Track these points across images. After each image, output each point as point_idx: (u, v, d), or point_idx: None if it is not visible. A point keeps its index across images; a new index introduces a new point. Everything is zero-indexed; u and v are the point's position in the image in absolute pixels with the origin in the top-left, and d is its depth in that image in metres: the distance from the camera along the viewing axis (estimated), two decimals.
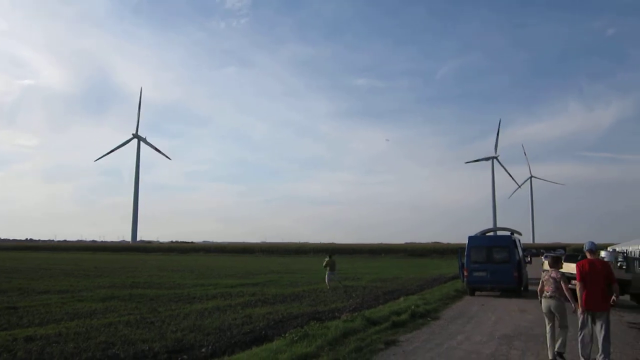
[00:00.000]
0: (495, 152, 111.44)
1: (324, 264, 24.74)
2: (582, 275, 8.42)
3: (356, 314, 13.51)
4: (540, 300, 9.22)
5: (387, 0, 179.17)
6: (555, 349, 8.81)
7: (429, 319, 13.80)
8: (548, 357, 8.92)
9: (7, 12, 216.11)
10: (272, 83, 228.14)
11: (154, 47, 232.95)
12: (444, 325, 12.83)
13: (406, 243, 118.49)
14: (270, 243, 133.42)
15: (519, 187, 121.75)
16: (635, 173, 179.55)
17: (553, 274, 9.15)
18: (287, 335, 10.19)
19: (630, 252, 26.96)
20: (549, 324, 9.11)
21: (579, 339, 8.41)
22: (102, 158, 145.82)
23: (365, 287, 24.63)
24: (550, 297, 9.00)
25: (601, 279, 8.27)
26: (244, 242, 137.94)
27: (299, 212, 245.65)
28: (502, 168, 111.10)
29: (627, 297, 19.21)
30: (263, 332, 11.24)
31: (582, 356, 8.31)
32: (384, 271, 40.99)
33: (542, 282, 9.31)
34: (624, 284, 18.36)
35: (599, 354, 8.01)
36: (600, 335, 8.09)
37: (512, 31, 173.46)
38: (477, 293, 21.00)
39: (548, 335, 9.09)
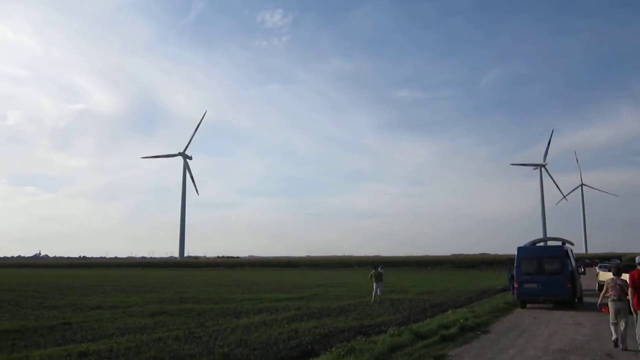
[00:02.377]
0: (544, 161, 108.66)
1: (370, 275, 24.56)
2: (634, 282, 10.57)
3: (403, 327, 13.30)
4: (606, 303, 11.42)
5: (426, 12, 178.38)
6: (621, 345, 11.00)
7: (478, 332, 13.43)
8: (612, 339, 11.31)
9: (59, 41, 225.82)
10: (315, 98, 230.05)
11: (198, 68, 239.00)
12: (494, 339, 12.46)
13: (452, 255, 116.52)
14: (314, 257, 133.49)
15: (564, 197, 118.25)
16: None
17: (618, 281, 11.36)
18: (333, 350, 10.10)
19: None
20: (613, 320, 11.29)
21: (637, 332, 10.60)
22: (148, 159, 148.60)
23: (412, 300, 24.25)
24: (619, 299, 11.14)
25: None
26: (288, 256, 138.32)
27: (343, 225, 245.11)
28: (549, 177, 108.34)
29: None
30: (309, 347, 11.17)
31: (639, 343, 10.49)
32: (431, 283, 40.31)
33: (607, 287, 11.48)
34: None
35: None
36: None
37: (554, 38, 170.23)
38: (528, 305, 20.35)
39: (612, 328, 11.35)
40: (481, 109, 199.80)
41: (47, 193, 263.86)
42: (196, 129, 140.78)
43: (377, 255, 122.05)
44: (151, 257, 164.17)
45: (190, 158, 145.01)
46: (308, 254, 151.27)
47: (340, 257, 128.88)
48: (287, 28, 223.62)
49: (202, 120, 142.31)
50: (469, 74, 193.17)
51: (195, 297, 26.45)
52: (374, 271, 24.64)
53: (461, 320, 14.39)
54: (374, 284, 24.09)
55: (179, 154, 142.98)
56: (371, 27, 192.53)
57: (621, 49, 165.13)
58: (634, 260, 13.07)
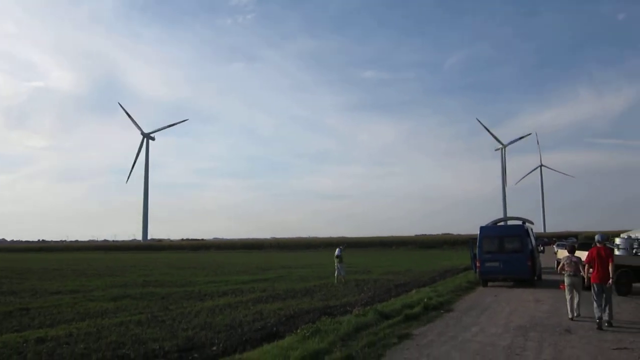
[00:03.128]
0: (501, 143, 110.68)
1: (335, 256, 24.71)
2: (592, 258, 11.60)
3: (368, 308, 13.37)
4: (564, 278, 12.70)
5: None
6: (575, 314, 12.26)
7: (442, 311, 13.63)
8: (569, 316, 12.23)
9: (15, 15, 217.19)
10: (280, 78, 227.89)
11: (161, 46, 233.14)
12: (457, 318, 12.66)
13: (417, 235, 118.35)
14: (280, 238, 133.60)
15: (529, 174, 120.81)
16: None
17: (573, 258, 12.62)
18: (298, 331, 10.05)
19: None
20: (569, 294, 12.44)
21: (594, 305, 11.32)
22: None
23: (376, 280, 24.47)
24: (574, 275, 12.44)
25: (606, 262, 11.42)
26: (254, 238, 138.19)
27: (308, 206, 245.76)
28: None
29: None
30: (274, 329, 11.12)
31: (596, 315, 11.17)
32: (396, 264, 40.80)
33: (563, 264, 12.73)
34: (639, 270, 18.09)
35: (607, 313, 11.23)
36: (605, 301, 11.26)
37: (519, 20, 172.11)
38: (490, 284, 20.77)
39: (568, 303, 12.41)
40: (446, 90, 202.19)
41: (2, 174, 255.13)
42: (172, 125, 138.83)
43: (342, 237, 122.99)
44: (113, 241, 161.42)
45: (153, 139, 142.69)
46: (273, 236, 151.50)
47: (305, 238, 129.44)
48: (252, 6, 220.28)
49: (179, 122, 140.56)
50: (434, 55, 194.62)
51: (158, 281, 26.09)
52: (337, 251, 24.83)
53: (425, 300, 14.57)
54: (336, 265, 24.24)
55: (142, 134, 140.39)
56: (337, 6, 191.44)
57: (581, 32, 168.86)
58: (591, 238, 13.79)
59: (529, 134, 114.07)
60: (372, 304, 14.87)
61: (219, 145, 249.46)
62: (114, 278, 28.11)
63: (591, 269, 11.63)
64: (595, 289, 11.40)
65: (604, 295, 11.30)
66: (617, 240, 20.96)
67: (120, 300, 17.68)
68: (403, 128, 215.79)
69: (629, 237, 23.69)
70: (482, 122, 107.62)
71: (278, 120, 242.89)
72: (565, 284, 12.55)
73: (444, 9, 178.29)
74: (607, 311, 11.25)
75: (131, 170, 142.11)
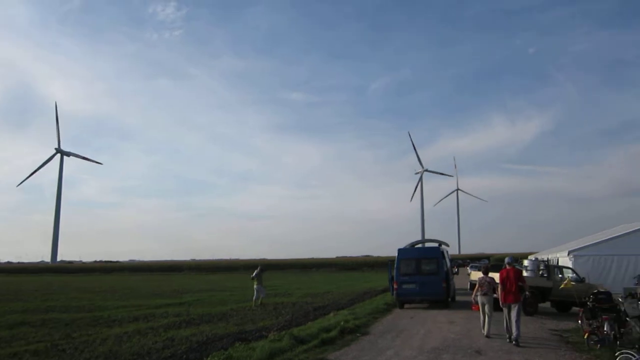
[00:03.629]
0: (422, 166, 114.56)
1: (252, 277, 24.28)
2: (503, 279, 12.45)
3: (284, 332, 13.07)
4: (476, 298, 13.37)
5: (323, 14, 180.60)
6: (487, 332, 12.82)
7: (358, 334, 13.56)
8: (483, 333, 12.90)
9: None
10: (206, 96, 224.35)
11: (81, 58, 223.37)
12: (373, 341, 12.62)
13: (337, 257, 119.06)
14: (199, 260, 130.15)
15: (445, 197, 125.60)
16: (553, 184, 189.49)
17: (487, 279, 13.33)
18: (209, 358, 9.62)
19: (550, 260, 28.12)
20: (482, 313, 13.21)
21: (505, 323, 12.33)
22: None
23: (295, 303, 24.19)
24: (485, 294, 13.15)
25: (515, 282, 12.29)
26: (172, 260, 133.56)
27: (230, 227, 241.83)
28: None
29: (548, 305, 19.83)
30: (184, 356, 10.59)
31: (507, 333, 12.17)
32: (316, 286, 40.68)
33: (478, 284, 13.39)
34: (545, 291, 18.98)
35: (515, 330, 11.90)
36: (514, 319, 11.97)
37: (439, 49, 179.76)
38: (406, 306, 21.05)
39: (481, 321, 13.28)
40: (370, 114, 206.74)
41: None
42: (85, 158, 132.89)
43: (263, 258, 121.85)
44: (18, 262, 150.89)
45: (68, 155, 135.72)
46: (193, 258, 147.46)
47: (226, 260, 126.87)
48: (180, 22, 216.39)
49: (93, 161, 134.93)
50: (359, 79, 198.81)
51: (64, 306, 24.43)
52: (257, 271, 24.41)
53: (342, 323, 14.46)
54: (255, 287, 23.81)
55: (56, 150, 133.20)
56: (266, 27, 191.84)
57: (496, 63, 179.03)
58: (502, 260, 14.52)
59: (451, 176, 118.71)
60: (289, 328, 14.58)
61: (141, 163, 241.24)
62: (13, 303, 26.07)
63: (502, 290, 12.45)
64: (506, 308, 12.38)
65: (513, 314, 12.09)
66: (525, 262, 21.95)
67: (17, 327, 16.35)
68: (327, 150, 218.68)
69: (536, 259, 24.91)
70: (410, 138, 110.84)
71: (203, 138, 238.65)
72: (479, 303, 13.33)
73: (370, 34, 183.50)
74: (516, 329, 11.96)
75: (28, 177, 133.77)
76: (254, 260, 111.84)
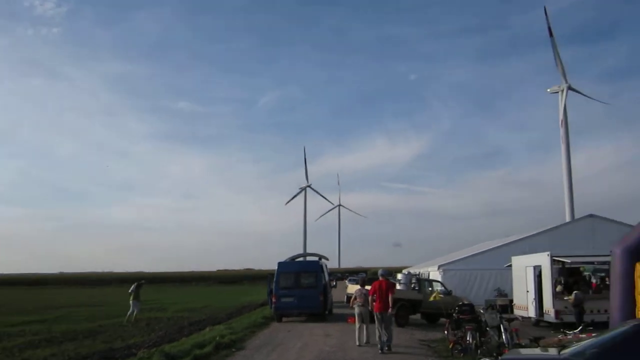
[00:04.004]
0: (308, 181, 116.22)
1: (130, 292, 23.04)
2: (375, 290, 13.13)
3: (154, 349, 12.41)
4: (354, 308, 14.15)
5: (214, 25, 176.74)
6: (364, 341, 13.69)
7: (233, 349, 13.22)
8: (356, 344, 13.57)
9: None
10: (85, 99, 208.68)
11: None
12: (248, 356, 12.38)
13: (219, 270, 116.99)
14: (68, 273, 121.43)
15: (330, 202, 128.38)
16: (428, 203, 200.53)
17: (363, 291, 14.15)
18: None
19: (421, 274, 29.57)
20: (358, 324, 13.94)
21: (377, 331, 12.91)
22: None
23: (170, 318, 23.27)
24: (363, 305, 13.83)
25: (386, 293, 12.95)
26: (37, 273, 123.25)
27: (106, 238, 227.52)
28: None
29: (419, 316, 20.72)
30: None
31: (379, 343, 12.74)
32: (194, 300, 39.51)
33: (355, 296, 14.35)
34: (415, 303, 19.84)
35: (386, 338, 12.71)
36: (385, 327, 12.75)
37: (327, 69, 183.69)
38: (284, 319, 20.97)
39: (357, 332, 13.87)
40: (258, 128, 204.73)
41: None
42: None
43: (140, 272, 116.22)
44: None
45: None
46: (62, 271, 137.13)
47: (99, 273, 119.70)
48: (59, 19, 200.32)
49: None
50: (249, 93, 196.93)
51: None
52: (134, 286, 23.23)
53: (217, 338, 14.04)
54: (131, 302, 22.61)
55: None
56: (155, 33, 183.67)
57: (380, 86, 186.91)
58: (377, 273, 15.19)
59: (332, 203, 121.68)
60: (161, 344, 13.91)
61: (5, 168, 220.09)
62: None
63: (374, 301, 13.11)
64: (378, 317, 12.90)
65: (385, 323, 12.83)
66: (399, 276, 22.89)
67: None
68: (212, 162, 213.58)
69: (409, 272, 26.07)
70: (305, 154, 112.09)
71: (79, 144, 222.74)
72: (356, 314, 14.05)
73: (261, 49, 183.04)
74: (387, 337, 12.78)
75: None
76: (131, 273, 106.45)
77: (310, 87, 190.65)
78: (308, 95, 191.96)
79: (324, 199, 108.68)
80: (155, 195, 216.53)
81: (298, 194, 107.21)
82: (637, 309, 9.98)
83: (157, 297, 43.50)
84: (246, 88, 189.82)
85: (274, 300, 20.74)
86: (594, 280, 22.32)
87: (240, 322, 19.69)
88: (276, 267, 21.48)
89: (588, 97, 49.93)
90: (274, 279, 21.06)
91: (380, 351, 12.44)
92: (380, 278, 13.68)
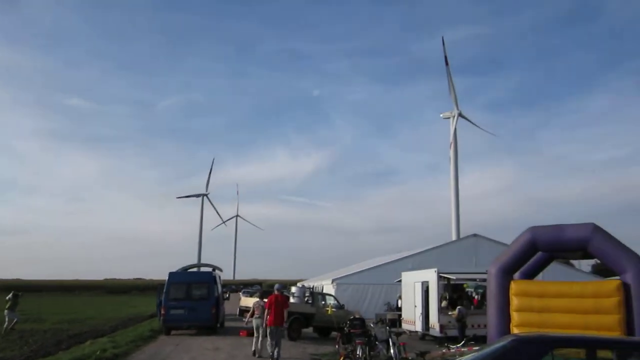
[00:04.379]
0: (207, 190, 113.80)
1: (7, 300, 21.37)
2: (270, 304, 13.51)
3: None
4: (252, 320, 14.59)
5: (115, 21, 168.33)
6: (258, 353, 14.01)
7: None
8: (252, 353, 14.12)
9: None
10: None
11: None
12: None
13: (106, 279, 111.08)
14: None
15: (224, 222, 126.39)
16: (325, 217, 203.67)
17: (261, 303, 14.48)
18: None
19: (316, 288, 29.84)
20: (256, 334, 14.33)
21: (267, 343, 13.47)
22: None
23: (48, 330, 21.60)
24: (260, 317, 14.14)
25: (281, 307, 13.57)
26: None
27: None
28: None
29: (311, 330, 20.81)
30: None
31: (270, 352, 13.26)
32: (77, 311, 37.04)
33: (254, 308, 14.67)
34: (309, 317, 19.93)
35: (277, 350, 13.22)
36: (277, 340, 13.31)
37: (233, 78, 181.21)
38: (173, 332, 20.18)
39: (254, 342, 14.25)
40: (157, 132, 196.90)
41: None
42: None
43: (17, 279, 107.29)
44: None
45: None
46: None
47: None
48: None
49: None
50: (148, 95, 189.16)
51: None
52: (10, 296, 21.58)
53: (98, 352, 13.22)
54: (5, 313, 20.95)
55: None
56: (50, 22, 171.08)
57: (283, 100, 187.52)
58: (272, 286, 15.54)
59: (224, 223, 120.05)
60: (35, 359, 12.84)
61: None
62: None
63: (269, 314, 13.54)
64: (272, 330, 13.44)
65: (276, 336, 13.42)
66: (293, 289, 22.91)
67: None
68: (106, 165, 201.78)
69: (303, 286, 26.22)
70: (212, 165, 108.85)
71: None
72: (254, 325, 14.52)
73: (166, 51, 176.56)
74: (277, 349, 13.33)
75: None
76: (7, 280, 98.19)
77: (214, 95, 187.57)
78: (211, 103, 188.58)
79: (216, 213, 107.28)
80: (39, 196, 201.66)
81: (193, 196, 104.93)
82: (512, 325, 10.66)
83: (35, 307, 40.38)
84: (147, 90, 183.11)
85: (162, 312, 19.93)
86: (475, 296, 23.62)
87: (125, 335, 18.68)
88: (167, 278, 20.70)
89: (477, 126, 53.69)
90: (164, 290, 20.26)
91: None
92: (276, 292, 14.16)
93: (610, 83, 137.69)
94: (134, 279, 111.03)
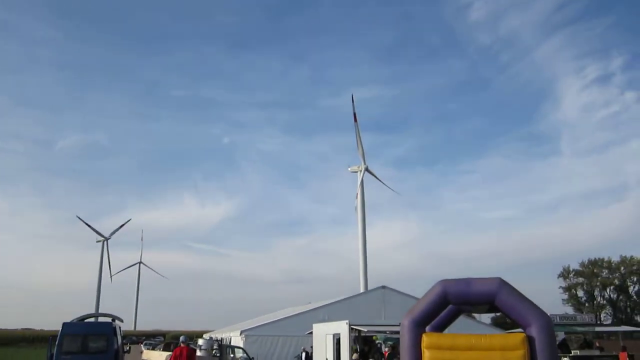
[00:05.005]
0: (109, 236, 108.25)
1: None
2: (176, 357, 13.83)
3: None
4: None
5: (10, 53, 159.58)
6: None
7: None
8: None
9: None
10: None
11: None
12: None
13: None
14: None
15: (125, 269, 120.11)
16: (232, 266, 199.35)
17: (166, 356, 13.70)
18: None
19: (224, 339, 28.73)
20: None
21: None
22: None
23: None
24: None
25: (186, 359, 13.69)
26: None
27: None
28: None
29: None
30: None
31: None
32: None
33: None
34: None
35: None
36: None
37: (139, 121, 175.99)
38: None
39: None
40: (54, 172, 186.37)
41: None
42: None
43: None
44: None
45: None
46: None
47: None
48: None
49: None
50: (46, 133, 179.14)
51: None
52: None
53: None
54: None
55: None
56: None
57: (195, 145, 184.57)
58: (177, 337, 14.95)
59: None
60: None
61: None
62: None
63: None
64: None
65: None
66: (200, 341, 21.90)
67: None
68: None
69: (211, 338, 25.20)
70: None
71: None
72: None
73: (68, 86, 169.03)
74: None
75: None
76: None
77: (119, 136, 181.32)
78: (115, 144, 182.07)
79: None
80: None
81: (94, 230, 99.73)
82: None
83: None
84: (45, 127, 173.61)
85: None
86: (385, 349, 23.70)
87: None
88: (60, 328, 19.06)
89: (382, 182, 55.89)
90: (57, 342, 18.61)
91: None
92: (182, 345, 14.08)
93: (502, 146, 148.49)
94: (22, 329, 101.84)
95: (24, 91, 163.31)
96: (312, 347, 26.16)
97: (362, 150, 54.11)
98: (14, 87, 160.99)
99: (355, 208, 52.83)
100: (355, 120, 53.34)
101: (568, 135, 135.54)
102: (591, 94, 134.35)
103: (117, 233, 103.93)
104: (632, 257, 69.32)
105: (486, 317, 50.40)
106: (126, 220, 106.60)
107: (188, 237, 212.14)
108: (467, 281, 11.14)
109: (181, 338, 14.75)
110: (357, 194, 53.03)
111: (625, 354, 22.21)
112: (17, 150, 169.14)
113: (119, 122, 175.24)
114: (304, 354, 25.72)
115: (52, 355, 19.18)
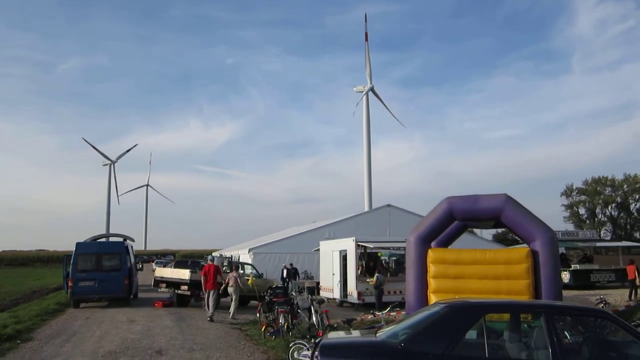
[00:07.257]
0: (115, 160, 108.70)
1: None
2: (206, 271, 15.99)
3: None
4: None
5: None
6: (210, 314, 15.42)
7: (18, 341, 11.65)
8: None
9: None
10: None
11: None
12: (36, 348, 11.00)
13: (4, 251, 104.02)
14: None
15: (132, 190, 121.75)
16: (239, 187, 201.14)
17: (235, 275, 16.25)
18: None
19: (233, 257, 29.53)
20: (233, 300, 16.11)
21: (206, 304, 16.04)
22: None
23: None
24: (232, 286, 15.96)
25: (214, 274, 15.84)
26: None
27: None
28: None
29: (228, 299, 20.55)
30: None
31: (208, 312, 15.46)
32: None
33: (228, 279, 16.07)
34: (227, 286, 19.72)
35: (211, 309, 15.39)
36: (212, 301, 15.55)
37: (139, 43, 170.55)
38: (82, 305, 19.23)
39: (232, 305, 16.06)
40: (57, 96, 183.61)
41: None
42: None
43: None
44: None
45: None
46: None
47: None
48: None
49: None
50: (46, 56, 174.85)
51: None
52: None
53: None
54: None
55: None
56: None
57: (197, 67, 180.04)
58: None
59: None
60: None
61: None
62: None
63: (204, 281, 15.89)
64: (210, 294, 15.63)
65: (211, 298, 15.49)
66: (209, 257, 22.47)
67: None
68: (1, 130, 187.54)
69: (221, 255, 25.91)
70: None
71: None
72: (230, 292, 16.20)
73: (66, 9, 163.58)
74: (212, 308, 15.39)
75: None
76: None
77: (120, 59, 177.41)
78: (117, 67, 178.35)
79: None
80: None
81: (101, 153, 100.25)
82: (429, 291, 10.99)
83: None
84: (46, 50, 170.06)
85: (70, 284, 18.91)
86: (390, 264, 24.36)
87: (28, 310, 17.55)
88: (74, 248, 19.57)
89: (387, 108, 55.68)
90: (71, 261, 19.19)
91: (209, 319, 15.02)
92: (209, 262, 17.00)
93: (511, 65, 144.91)
94: (36, 250, 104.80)
95: (22, 14, 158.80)
96: (291, 264, 26.83)
97: (370, 70, 53.43)
98: (13, 9, 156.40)
99: (354, 112, 53.45)
100: (367, 39, 52.40)
101: (580, 52, 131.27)
102: (606, 8, 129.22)
103: (125, 157, 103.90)
104: (635, 175, 69.30)
105: (487, 234, 51.38)
106: (133, 145, 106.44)
107: (194, 160, 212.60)
108: (474, 198, 11.23)
109: (209, 257, 18.07)
110: (362, 113, 53.07)
111: (634, 267, 21.12)
112: (19, 74, 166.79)
113: (120, 45, 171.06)
114: (285, 271, 26.21)
115: (68, 273, 19.83)
